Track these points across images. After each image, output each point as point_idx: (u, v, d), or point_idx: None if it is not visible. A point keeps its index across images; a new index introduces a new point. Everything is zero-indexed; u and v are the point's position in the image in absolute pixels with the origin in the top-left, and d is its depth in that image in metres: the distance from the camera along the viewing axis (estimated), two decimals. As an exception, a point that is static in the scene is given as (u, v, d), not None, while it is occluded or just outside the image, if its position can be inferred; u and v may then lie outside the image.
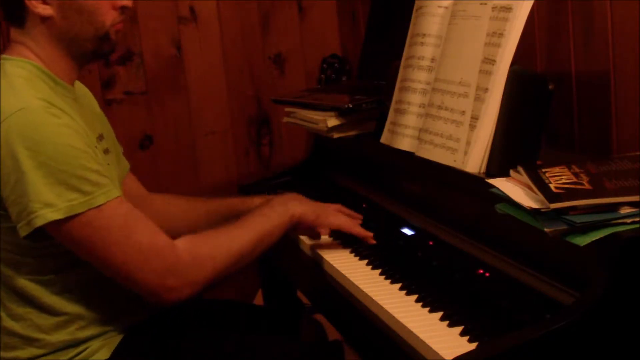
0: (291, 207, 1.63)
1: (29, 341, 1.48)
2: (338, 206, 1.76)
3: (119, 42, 1.58)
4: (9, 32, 1.56)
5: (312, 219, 1.66)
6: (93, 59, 1.58)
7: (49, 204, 1.34)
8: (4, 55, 1.52)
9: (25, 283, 1.47)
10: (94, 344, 1.51)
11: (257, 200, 1.86)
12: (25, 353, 1.49)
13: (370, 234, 1.70)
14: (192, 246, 1.46)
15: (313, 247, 1.78)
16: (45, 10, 1.47)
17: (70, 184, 1.35)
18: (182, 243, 1.45)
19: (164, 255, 1.41)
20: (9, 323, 1.49)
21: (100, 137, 1.61)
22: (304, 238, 1.82)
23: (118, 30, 1.55)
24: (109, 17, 1.52)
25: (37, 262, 1.46)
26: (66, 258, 1.46)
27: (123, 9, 1.54)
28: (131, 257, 1.40)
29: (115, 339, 1.54)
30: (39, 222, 1.34)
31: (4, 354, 1.50)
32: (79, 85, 1.65)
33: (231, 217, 1.85)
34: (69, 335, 1.49)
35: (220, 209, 1.90)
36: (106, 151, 1.61)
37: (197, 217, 1.89)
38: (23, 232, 1.37)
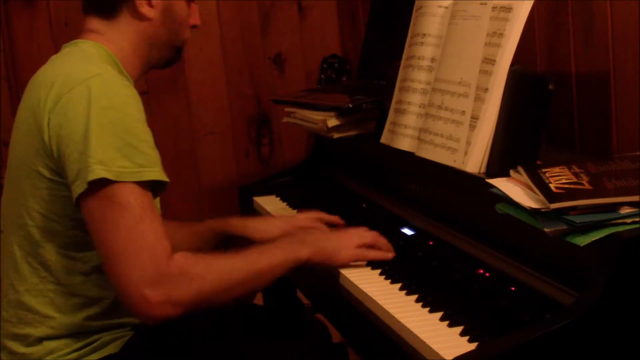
0: (298, 249, 1.54)
1: (44, 318, 1.50)
2: (356, 235, 1.63)
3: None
4: (85, 22, 1.60)
5: (321, 261, 1.57)
6: (161, 66, 1.69)
7: (103, 162, 1.36)
8: (76, 40, 1.59)
9: (56, 258, 1.48)
10: (105, 337, 1.52)
11: (235, 221, 1.87)
12: (37, 331, 1.50)
13: (389, 255, 1.61)
14: (185, 261, 1.41)
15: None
16: (150, 12, 1.57)
17: (126, 152, 1.37)
18: (178, 256, 1.41)
19: (157, 261, 1.37)
20: (27, 298, 1.50)
21: None
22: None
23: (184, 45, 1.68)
24: (187, 32, 1.66)
25: (75, 235, 1.47)
26: None
27: (193, 27, 1.67)
28: (130, 247, 1.36)
29: (125, 335, 1.54)
30: (91, 177, 1.35)
31: (17, 330, 1.52)
32: None
33: (213, 240, 1.88)
34: (83, 320, 1.50)
35: (205, 234, 1.89)
36: None
37: (182, 240, 1.88)
38: (80, 188, 1.37)
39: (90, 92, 1.40)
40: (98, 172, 1.35)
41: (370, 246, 1.61)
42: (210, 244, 1.92)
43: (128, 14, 1.57)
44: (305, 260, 1.54)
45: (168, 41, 1.62)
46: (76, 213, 1.43)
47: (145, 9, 1.56)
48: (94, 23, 1.59)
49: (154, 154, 1.42)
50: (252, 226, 1.87)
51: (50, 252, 1.49)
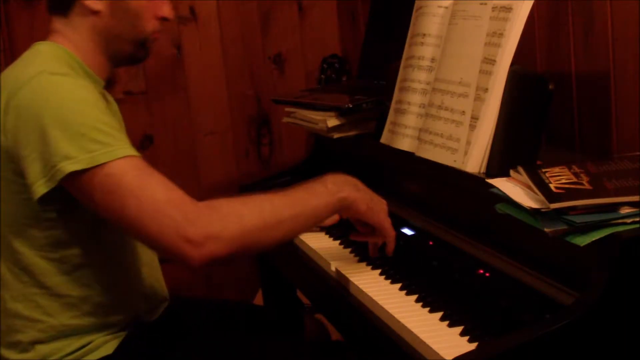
0: (345, 189, 1.49)
1: (32, 322, 1.49)
2: (385, 205, 1.60)
3: (153, 50, 1.64)
4: (49, 23, 1.58)
5: (363, 210, 1.52)
6: (126, 62, 1.64)
7: (69, 156, 1.34)
8: (37, 42, 1.56)
9: (36, 261, 1.47)
10: (98, 339, 1.51)
11: None
12: (27, 336, 1.49)
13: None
14: (214, 201, 1.37)
15: (312, 247, 1.78)
16: (96, 4, 1.53)
17: (91, 136, 1.35)
18: (203, 201, 1.38)
19: (180, 206, 1.34)
20: (13, 305, 1.50)
21: None
22: (302, 237, 1.82)
23: (155, 39, 1.61)
24: (150, 25, 1.58)
25: (50, 236, 1.46)
26: (77, 235, 1.47)
27: (163, 19, 1.60)
28: (145, 208, 1.33)
29: (118, 336, 1.54)
30: (59, 175, 1.34)
31: (9, 338, 1.51)
32: (106, 94, 1.67)
33: None
34: (71, 319, 1.49)
35: None
36: None
37: None
38: (44, 188, 1.36)
39: (38, 91, 1.38)
40: (67, 167, 1.34)
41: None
42: None
43: (79, 9, 1.54)
44: (352, 203, 1.49)
45: (125, 34, 1.56)
46: (45, 213, 1.43)
47: (90, 2, 1.52)
48: (55, 23, 1.57)
49: (114, 132, 1.38)
50: None
51: (28, 256, 1.47)
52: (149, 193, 1.34)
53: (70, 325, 1.50)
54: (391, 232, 1.58)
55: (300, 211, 1.43)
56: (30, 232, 1.46)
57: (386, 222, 1.56)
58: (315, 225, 1.49)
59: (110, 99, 1.71)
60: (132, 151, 1.38)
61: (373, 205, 1.54)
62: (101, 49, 1.56)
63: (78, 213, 1.44)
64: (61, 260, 1.48)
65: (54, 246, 1.47)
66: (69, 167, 1.34)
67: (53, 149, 1.35)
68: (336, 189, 1.48)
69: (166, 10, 1.60)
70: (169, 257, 1.36)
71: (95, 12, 1.53)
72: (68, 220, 1.46)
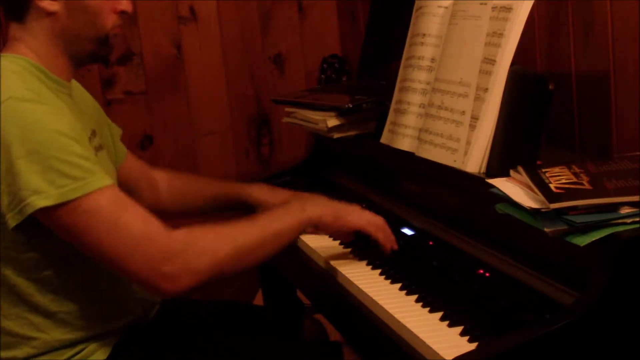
0: (308, 209, 1.56)
1: (25, 340, 1.47)
2: (368, 212, 1.66)
3: (116, 46, 1.59)
4: (7, 30, 1.55)
5: (331, 222, 1.59)
6: (89, 61, 1.58)
7: (39, 191, 1.32)
8: None
9: (21, 282, 1.45)
10: (91, 346, 1.50)
11: (256, 188, 1.93)
12: (21, 352, 1.48)
13: (394, 246, 1.63)
14: (189, 234, 1.40)
15: (312, 248, 1.78)
16: (51, 5, 1.47)
17: (61, 170, 1.33)
18: (178, 231, 1.39)
19: (156, 241, 1.36)
20: (6, 323, 1.47)
21: (93, 134, 1.59)
22: (303, 237, 1.82)
23: (116, 34, 1.56)
24: (110, 20, 1.53)
25: (30, 258, 1.44)
26: (58, 254, 1.45)
27: (122, 13, 1.55)
28: (121, 244, 1.35)
29: (112, 341, 1.53)
30: (29, 210, 1.32)
31: (3, 354, 1.50)
32: (73, 82, 1.64)
33: (229, 204, 1.94)
34: (65, 334, 1.48)
35: (219, 194, 1.94)
36: (98, 148, 1.59)
37: (200, 195, 1.94)
38: (13, 221, 1.35)
39: (5, 120, 1.34)
40: (36, 203, 1.32)
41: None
42: (225, 208, 1.96)
43: (34, 12, 1.48)
44: (317, 219, 1.57)
45: (85, 34, 1.51)
46: (19, 237, 1.41)
47: (45, 3, 1.46)
48: (13, 29, 1.51)
49: (86, 163, 1.36)
50: (271, 201, 1.89)
51: (12, 278, 1.45)
52: (124, 228, 1.35)
53: (64, 340, 1.48)
54: (374, 229, 1.61)
55: (267, 237, 1.50)
56: (10, 254, 1.44)
57: (361, 221, 1.61)
58: (286, 245, 1.56)
59: (80, 91, 1.69)
60: (104, 181, 1.37)
61: (339, 214, 1.60)
62: (61, 51, 1.51)
63: (53, 238, 1.41)
64: (45, 280, 1.46)
65: (35, 267, 1.45)
66: (39, 202, 1.32)
67: (22, 182, 1.32)
68: (299, 211, 1.56)
69: (124, 4, 1.55)
70: (147, 289, 1.40)
71: (51, 14, 1.47)
72: (44, 243, 1.43)
